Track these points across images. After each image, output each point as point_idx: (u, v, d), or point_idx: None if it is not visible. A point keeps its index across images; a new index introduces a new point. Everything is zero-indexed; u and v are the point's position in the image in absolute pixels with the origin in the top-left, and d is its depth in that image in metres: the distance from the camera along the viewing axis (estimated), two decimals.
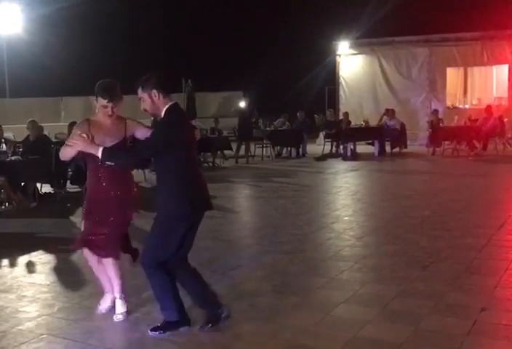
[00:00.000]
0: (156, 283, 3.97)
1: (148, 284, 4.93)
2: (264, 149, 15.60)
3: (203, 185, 4.19)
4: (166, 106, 3.89)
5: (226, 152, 14.68)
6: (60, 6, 20.42)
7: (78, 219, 7.94)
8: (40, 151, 9.29)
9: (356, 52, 19.43)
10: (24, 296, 4.78)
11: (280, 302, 4.53)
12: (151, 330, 3.94)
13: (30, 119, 9.82)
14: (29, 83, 21.08)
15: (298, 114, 16.81)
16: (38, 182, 9.61)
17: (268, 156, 15.57)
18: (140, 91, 3.93)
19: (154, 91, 3.85)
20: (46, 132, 10.49)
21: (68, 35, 22.57)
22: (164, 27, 25.84)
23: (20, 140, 10.39)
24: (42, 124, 10.26)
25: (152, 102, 3.90)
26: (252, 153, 15.26)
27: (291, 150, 16.38)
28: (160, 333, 3.90)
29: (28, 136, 9.81)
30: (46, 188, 10.02)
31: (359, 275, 5.20)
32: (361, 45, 19.24)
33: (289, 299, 4.56)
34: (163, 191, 4.10)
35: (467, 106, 18.02)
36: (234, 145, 14.94)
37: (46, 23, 21.42)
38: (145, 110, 4.00)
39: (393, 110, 16.18)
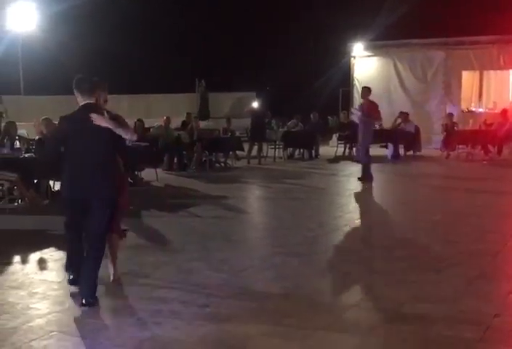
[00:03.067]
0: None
1: (158, 283, 4.96)
2: (276, 150, 15.57)
3: (85, 174, 4.58)
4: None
5: (239, 152, 14.67)
6: (74, 3, 20.52)
7: None
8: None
9: (370, 54, 19.32)
10: (35, 293, 4.79)
11: (290, 303, 4.51)
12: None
13: (44, 117, 9.87)
14: (43, 81, 21.22)
15: (312, 115, 16.75)
16: (51, 179, 9.66)
17: (281, 157, 15.54)
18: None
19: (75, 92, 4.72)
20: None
21: (82, 32, 22.68)
22: (178, 26, 25.89)
23: (34, 138, 10.45)
24: (56, 122, 10.31)
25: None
26: (264, 154, 15.24)
27: (303, 151, 16.33)
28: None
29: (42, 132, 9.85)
30: (59, 186, 10.06)
31: (370, 279, 5.16)
32: (376, 47, 19.14)
33: (300, 301, 4.54)
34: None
35: (482, 110, 17.86)
36: (246, 146, 14.93)
37: (61, 21, 21.53)
38: None
39: (407, 113, 16.08)
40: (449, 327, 4.00)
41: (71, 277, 4.80)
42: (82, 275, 4.53)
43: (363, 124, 11.19)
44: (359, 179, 11.04)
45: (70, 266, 4.82)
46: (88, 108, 4.62)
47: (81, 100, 4.70)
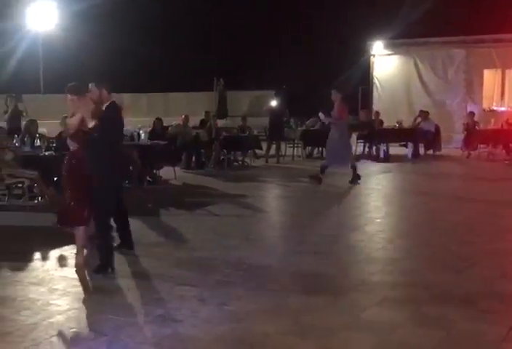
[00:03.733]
0: None
1: (177, 281, 4.97)
2: (295, 149, 15.52)
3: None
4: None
5: (257, 151, 14.65)
6: (94, 2, 20.66)
7: None
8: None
9: (390, 53, 19.20)
10: (55, 289, 4.83)
11: (308, 302, 4.48)
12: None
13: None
14: (63, 80, 21.37)
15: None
16: None
17: (299, 156, 15.50)
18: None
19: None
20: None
21: (102, 31, 22.83)
22: (197, 24, 25.96)
23: (54, 136, 10.53)
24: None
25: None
26: (283, 153, 15.21)
27: (322, 150, 16.26)
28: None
29: (61, 132, 9.93)
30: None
31: (390, 279, 5.12)
32: (396, 45, 19.00)
33: (318, 300, 4.52)
34: None
35: (504, 109, 17.64)
36: (265, 145, 14.90)
37: (81, 20, 21.71)
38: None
39: (427, 112, 15.94)
40: (471, 327, 3.95)
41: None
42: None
43: (336, 128, 10.74)
44: (351, 182, 10.70)
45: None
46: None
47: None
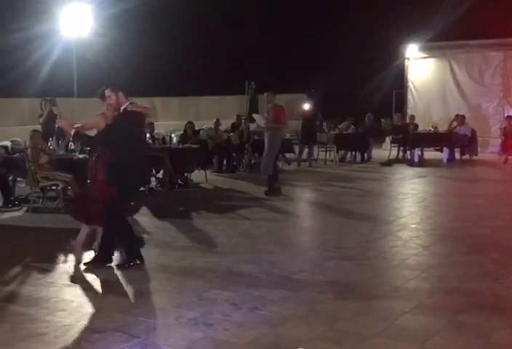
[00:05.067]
0: None
1: (209, 284, 4.95)
2: (327, 153, 15.42)
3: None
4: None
5: (288, 155, 14.59)
6: (126, 7, 20.92)
7: (140, 218, 8.08)
8: None
9: (425, 56, 18.94)
10: (88, 291, 4.85)
11: (342, 308, 4.41)
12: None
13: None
14: (96, 84, 21.68)
15: (367, 117, 16.47)
16: None
17: (332, 160, 15.38)
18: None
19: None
20: None
21: (135, 36, 23.10)
22: (230, 28, 26.05)
23: None
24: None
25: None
26: (315, 157, 15.12)
27: (355, 154, 16.13)
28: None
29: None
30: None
31: (426, 285, 5.01)
32: (432, 48, 18.74)
33: (352, 306, 4.44)
34: None
35: None
36: (297, 149, 14.84)
37: (114, 24, 22.00)
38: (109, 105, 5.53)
39: (463, 116, 15.68)
40: (509, 336, 3.83)
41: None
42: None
43: (269, 132, 10.03)
44: (266, 192, 9.87)
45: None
46: None
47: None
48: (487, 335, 3.87)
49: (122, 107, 5.43)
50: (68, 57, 20.84)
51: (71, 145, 10.24)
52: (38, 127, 11.03)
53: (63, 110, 12.53)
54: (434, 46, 18.66)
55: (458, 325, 4.06)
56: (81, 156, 9.18)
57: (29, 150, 8.67)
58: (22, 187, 9.61)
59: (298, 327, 4.03)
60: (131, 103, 5.46)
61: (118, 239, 5.56)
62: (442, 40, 18.44)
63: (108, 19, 21.14)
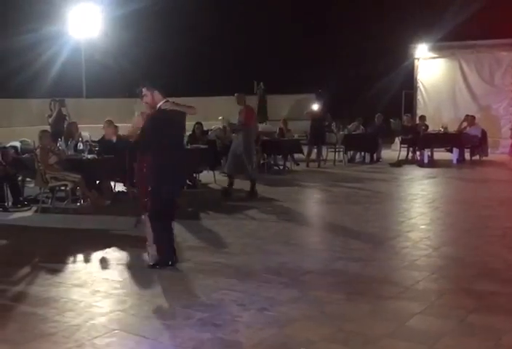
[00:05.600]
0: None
1: (217, 285, 4.94)
2: (336, 153, 15.37)
3: None
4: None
5: (297, 155, 14.56)
6: (135, 7, 20.97)
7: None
8: (115, 150, 9.49)
9: (435, 56, 18.86)
10: (97, 291, 4.86)
11: (352, 309, 4.38)
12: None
13: (107, 119, 10.08)
14: (105, 84, 21.76)
15: (376, 117, 16.39)
16: (113, 180, 9.84)
17: (341, 161, 15.33)
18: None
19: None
20: (120, 132, 10.73)
21: (143, 36, 23.15)
22: (237, 28, 26.04)
23: (96, 139, 10.68)
24: (117, 124, 10.51)
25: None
26: (324, 157, 15.08)
27: (365, 155, 16.07)
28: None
29: (104, 135, 10.07)
30: (120, 187, 10.26)
31: (436, 286, 4.97)
32: (441, 48, 18.65)
33: (362, 307, 4.41)
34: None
35: None
36: (305, 149, 14.80)
37: (123, 24, 22.06)
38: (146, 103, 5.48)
39: (473, 117, 15.58)
40: None
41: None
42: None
43: (243, 135, 9.51)
44: (246, 198, 9.57)
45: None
46: None
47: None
48: (497, 337, 3.83)
49: (157, 106, 5.42)
50: (77, 58, 20.93)
51: (80, 146, 10.26)
52: (47, 127, 11.07)
53: (72, 111, 12.59)
54: (444, 46, 18.57)
55: (468, 326, 4.03)
56: (89, 156, 9.21)
57: (38, 150, 8.70)
58: (31, 187, 9.64)
59: (307, 328, 4.01)
60: (166, 101, 5.43)
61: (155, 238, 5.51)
62: (452, 40, 18.35)
63: (116, 20, 21.20)
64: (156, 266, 5.41)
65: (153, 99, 5.43)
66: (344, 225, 7.63)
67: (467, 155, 15.22)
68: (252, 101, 23.89)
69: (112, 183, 9.95)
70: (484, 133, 15.37)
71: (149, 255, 5.52)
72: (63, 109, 11.90)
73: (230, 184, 10.02)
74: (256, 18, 26.52)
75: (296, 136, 15.42)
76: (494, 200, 9.50)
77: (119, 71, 21.00)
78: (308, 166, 14.57)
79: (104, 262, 5.82)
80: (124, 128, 12.43)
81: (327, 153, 15.24)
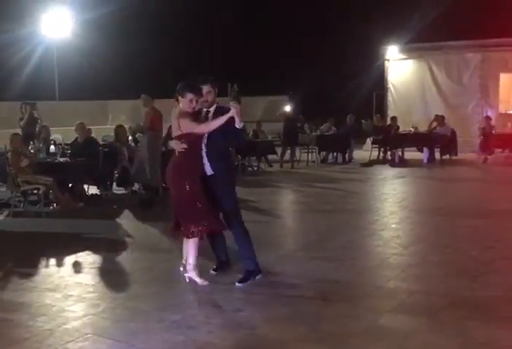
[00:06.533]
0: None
1: (191, 286, 4.95)
2: (309, 154, 15.48)
3: None
4: None
5: (271, 156, 14.64)
6: (108, 10, 20.86)
7: (123, 221, 8.07)
8: (88, 153, 9.46)
9: (405, 57, 19.12)
10: (70, 295, 4.84)
11: (325, 309, 4.44)
12: (238, 282, 4.93)
13: (78, 122, 10.03)
14: (78, 87, 21.59)
15: (348, 118, 16.59)
16: (86, 183, 9.78)
17: (314, 161, 15.45)
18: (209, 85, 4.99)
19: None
20: (93, 135, 10.68)
21: (115, 38, 23.02)
22: (209, 30, 26.05)
23: (69, 142, 10.62)
24: (90, 127, 10.45)
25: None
26: (297, 158, 15.18)
27: (337, 155, 16.22)
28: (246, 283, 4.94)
29: (77, 138, 10.02)
30: (93, 190, 10.19)
31: (406, 285, 5.06)
32: (411, 50, 18.93)
33: (335, 307, 4.48)
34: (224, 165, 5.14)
35: None
36: (279, 150, 14.89)
37: (95, 27, 21.91)
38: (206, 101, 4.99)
39: (442, 117, 15.84)
40: (488, 334, 3.89)
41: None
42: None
43: (147, 139, 9.00)
44: (140, 205, 8.98)
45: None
46: None
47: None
48: (466, 333, 3.92)
49: (213, 107, 5.05)
50: (49, 61, 20.72)
51: (52, 149, 10.19)
52: (19, 130, 10.95)
53: (44, 114, 12.47)
54: (413, 48, 18.85)
55: (438, 324, 4.11)
56: (62, 159, 9.14)
57: (9, 153, 8.60)
58: (2, 191, 9.53)
59: (281, 328, 4.05)
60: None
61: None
62: (421, 41, 18.64)
63: (87, 23, 21.04)
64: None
65: (215, 97, 5.06)
66: (318, 225, 7.71)
67: (437, 155, 15.47)
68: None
69: (85, 186, 9.88)
70: (453, 133, 15.64)
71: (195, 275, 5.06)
72: (35, 112, 11.78)
73: (152, 192, 9.29)
74: (228, 20, 26.55)
75: (269, 137, 15.50)
76: (462, 198, 9.69)
77: (93, 74, 20.84)
78: (281, 166, 14.67)
79: (77, 266, 5.79)
80: (98, 130, 12.34)
81: (300, 154, 15.34)
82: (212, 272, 5.29)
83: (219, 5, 26.24)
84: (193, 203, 4.91)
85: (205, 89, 4.95)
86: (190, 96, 4.87)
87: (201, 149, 4.98)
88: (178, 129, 4.91)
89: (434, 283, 5.05)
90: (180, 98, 4.95)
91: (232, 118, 4.78)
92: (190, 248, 4.99)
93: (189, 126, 4.86)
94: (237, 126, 4.88)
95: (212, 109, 5.04)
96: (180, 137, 4.93)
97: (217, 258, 5.38)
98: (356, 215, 8.41)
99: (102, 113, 20.63)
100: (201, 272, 5.11)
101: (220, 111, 4.95)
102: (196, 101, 4.91)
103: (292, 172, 13.99)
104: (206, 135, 4.95)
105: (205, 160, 5.00)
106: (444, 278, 5.17)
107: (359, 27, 23.49)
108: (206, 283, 4.97)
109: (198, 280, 4.98)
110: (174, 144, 4.98)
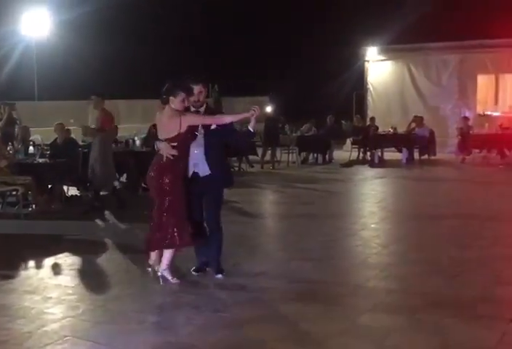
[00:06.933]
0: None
1: (171, 288, 4.95)
2: (290, 155, 15.54)
3: None
4: None
5: (252, 157, 14.66)
6: (87, 10, 20.74)
7: (103, 222, 8.03)
8: (67, 154, 9.38)
9: (385, 58, 19.26)
10: (49, 297, 4.81)
11: (305, 309, 4.47)
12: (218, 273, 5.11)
13: (57, 122, 9.95)
14: (57, 87, 21.41)
15: (328, 119, 16.69)
16: (65, 184, 9.71)
17: (294, 162, 15.51)
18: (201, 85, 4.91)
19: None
20: (73, 135, 10.60)
21: (95, 38, 22.88)
22: (190, 30, 26.00)
23: (48, 143, 10.53)
24: (70, 127, 10.36)
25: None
26: (278, 159, 15.22)
27: (317, 156, 16.30)
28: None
29: (56, 139, 9.93)
30: (73, 191, 10.12)
31: (385, 284, 5.12)
32: (391, 51, 19.07)
33: (314, 307, 4.51)
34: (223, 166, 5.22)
35: (498, 113, 17.70)
36: (260, 151, 14.91)
37: (74, 27, 21.77)
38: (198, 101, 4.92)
39: (421, 117, 15.99)
40: (466, 332, 3.95)
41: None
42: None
43: (98, 141, 8.66)
44: (119, 207, 8.77)
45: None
46: None
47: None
48: (444, 332, 3.97)
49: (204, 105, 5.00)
50: (29, 60, 20.53)
51: (31, 150, 10.11)
52: None
53: (23, 114, 12.35)
54: (393, 49, 19.00)
55: (417, 322, 4.16)
56: (41, 160, 9.06)
57: None
58: None
59: (261, 329, 4.07)
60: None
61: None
62: (400, 43, 18.79)
63: (67, 23, 20.89)
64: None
65: (205, 96, 5.01)
66: (298, 225, 7.74)
67: (416, 155, 15.60)
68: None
69: (64, 187, 9.80)
70: (431, 133, 15.79)
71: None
72: (13, 112, 11.67)
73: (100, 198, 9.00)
74: (209, 20, 26.53)
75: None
76: (440, 198, 9.81)
77: (71, 74, 20.69)
78: (262, 167, 14.69)
79: (56, 268, 5.75)
80: (77, 131, 12.24)
81: (281, 155, 15.38)
82: (193, 273, 5.28)
83: (198, 5, 26.19)
84: (179, 206, 4.90)
85: (197, 89, 4.89)
86: (182, 96, 4.80)
87: (196, 150, 4.93)
88: (175, 127, 4.79)
89: (413, 282, 5.11)
90: (171, 98, 4.83)
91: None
92: (166, 251, 4.99)
93: (196, 119, 4.84)
94: (251, 129, 4.97)
95: (201, 110, 4.99)
96: (172, 140, 4.83)
97: (198, 259, 5.36)
98: (335, 215, 8.46)
99: (82, 114, 20.47)
100: (181, 273, 5.11)
101: (211, 113, 4.95)
102: (188, 101, 4.85)
103: (272, 173, 14.03)
104: (205, 136, 4.92)
105: (203, 160, 4.97)
106: (422, 277, 5.23)
107: (339, 28, 23.64)
108: (177, 281, 4.99)
109: (170, 278, 4.99)
110: (164, 147, 4.88)
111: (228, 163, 5.48)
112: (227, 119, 4.88)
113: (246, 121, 5.15)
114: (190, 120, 4.80)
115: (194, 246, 5.23)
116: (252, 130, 4.99)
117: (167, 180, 4.88)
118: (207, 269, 5.31)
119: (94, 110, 9.01)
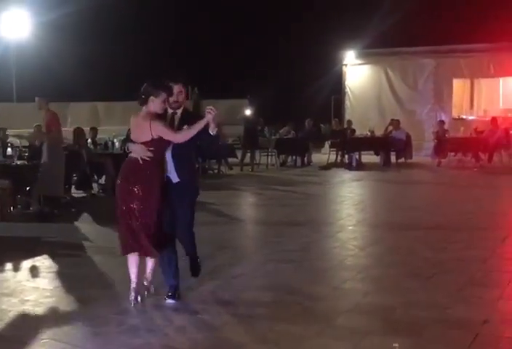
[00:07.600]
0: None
1: (149, 293, 4.95)
2: (269, 157, 15.61)
3: None
4: None
5: (231, 159, 14.70)
6: (66, 11, 20.60)
7: (81, 225, 8.00)
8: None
9: (362, 62, 19.46)
10: (27, 300, 4.78)
11: (282, 310, 4.52)
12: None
13: (36, 124, 9.88)
14: (36, 88, 21.19)
15: (306, 122, 16.83)
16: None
17: (273, 165, 15.59)
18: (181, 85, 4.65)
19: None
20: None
21: (74, 40, 22.72)
22: (169, 32, 25.94)
23: (27, 145, 10.44)
24: None
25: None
26: (257, 161, 15.28)
27: (296, 158, 16.39)
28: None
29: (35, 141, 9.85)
30: None
31: (362, 285, 5.19)
32: (368, 55, 19.28)
33: (292, 308, 4.56)
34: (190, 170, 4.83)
35: (473, 117, 18.00)
36: (239, 153, 14.96)
37: (54, 28, 21.61)
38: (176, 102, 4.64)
39: (398, 121, 16.19)
40: (440, 333, 4.03)
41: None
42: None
43: (47, 143, 8.46)
44: (39, 218, 8.31)
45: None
46: None
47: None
48: (419, 333, 4.04)
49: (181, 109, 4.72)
50: (7, 62, 20.32)
51: (9, 151, 10.00)
52: None
53: (2, 116, 12.23)
54: (370, 53, 19.21)
55: (392, 324, 4.22)
56: (19, 162, 8.99)
57: None
58: None
59: (239, 330, 4.11)
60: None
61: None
62: (378, 47, 19.01)
63: (46, 24, 20.72)
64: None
65: (185, 97, 4.75)
66: (276, 227, 7.79)
67: (393, 158, 15.79)
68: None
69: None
70: (408, 136, 16.00)
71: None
72: None
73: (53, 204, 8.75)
74: (188, 23, 26.50)
75: (230, 140, 15.56)
76: (416, 201, 9.94)
77: (51, 75, 20.51)
78: (241, 170, 14.74)
79: (34, 271, 5.72)
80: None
81: (260, 157, 15.45)
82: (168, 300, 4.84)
83: (178, 7, 26.17)
84: (153, 213, 4.55)
85: (176, 88, 4.60)
86: (164, 96, 4.51)
87: (167, 155, 4.63)
88: (148, 132, 4.50)
89: (389, 284, 5.19)
90: (151, 98, 4.51)
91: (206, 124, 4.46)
92: (131, 263, 4.69)
93: (163, 133, 4.47)
94: (211, 132, 4.50)
95: (179, 111, 4.69)
96: (148, 144, 4.53)
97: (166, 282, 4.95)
98: (313, 217, 8.53)
99: (61, 116, 20.22)
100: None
101: (188, 116, 4.68)
102: (168, 101, 4.57)
103: (252, 175, 14.08)
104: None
105: (171, 167, 4.64)
106: (398, 279, 5.31)
107: (317, 32, 23.79)
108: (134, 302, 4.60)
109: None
110: (138, 149, 4.58)
111: (197, 171, 5.17)
112: (190, 133, 4.48)
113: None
114: (157, 130, 4.48)
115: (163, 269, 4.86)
116: (212, 133, 4.52)
117: (140, 185, 4.53)
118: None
119: (40, 110, 8.79)
